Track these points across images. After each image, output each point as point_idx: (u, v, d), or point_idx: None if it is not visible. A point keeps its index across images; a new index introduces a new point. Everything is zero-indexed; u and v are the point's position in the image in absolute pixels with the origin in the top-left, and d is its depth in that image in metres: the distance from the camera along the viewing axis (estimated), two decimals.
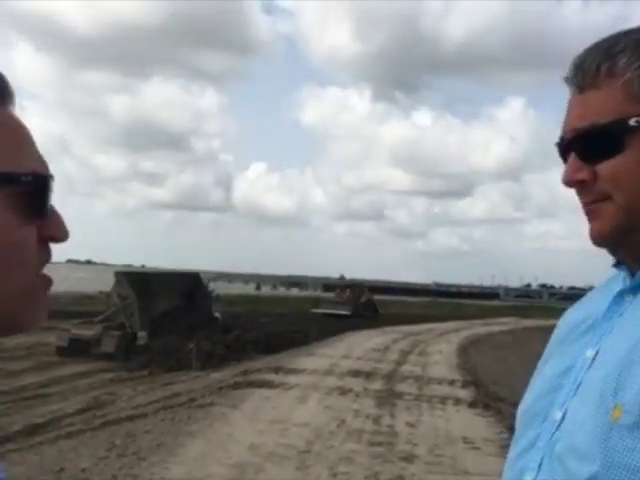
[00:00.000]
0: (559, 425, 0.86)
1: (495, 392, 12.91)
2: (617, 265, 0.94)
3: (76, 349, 17.57)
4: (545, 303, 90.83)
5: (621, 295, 0.91)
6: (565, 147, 0.90)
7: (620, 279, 0.94)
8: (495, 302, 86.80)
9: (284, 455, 7.62)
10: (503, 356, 20.23)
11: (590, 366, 0.87)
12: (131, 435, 8.52)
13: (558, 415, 0.87)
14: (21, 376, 14.11)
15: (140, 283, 21.13)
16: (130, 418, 9.88)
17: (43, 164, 0.69)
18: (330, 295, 44.89)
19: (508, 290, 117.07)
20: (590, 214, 0.89)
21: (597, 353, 0.88)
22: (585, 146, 0.87)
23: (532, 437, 0.90)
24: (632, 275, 0.91)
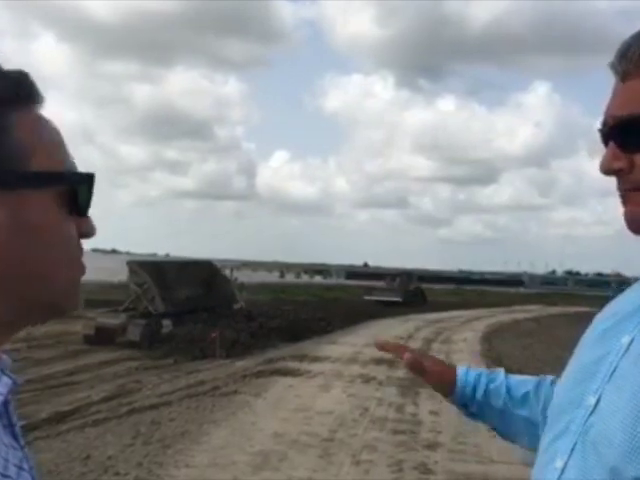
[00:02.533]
0: (593, 411, 0.87)
1: None
2: None
3: (102, 337, 17.75)
4: (570, 290, 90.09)
5: None
6: (606, 134, 0.90)
7: None
8: (520, 289, 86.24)
9: (307, 443, 7.65)
10: (528, 344, 20.09)
11: (625, 353, 0.88)
12: (156, 423, 8.60)
13: (592, 400, 0.88)
14: (48, 364, 14.29)
15: (154, 269, 21.33)
16: (155, 406, 9.97)
17: (74, 163, 0.73)
18: (380, 283, 46.82)
19: (533, 277, 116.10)
20: (627, 199, 0.88)
21: (633, 340, 0.88)
22: (624, 135, 0.87)
23: (566, 422, 0.91)
24: None
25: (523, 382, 1.28)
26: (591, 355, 0.94)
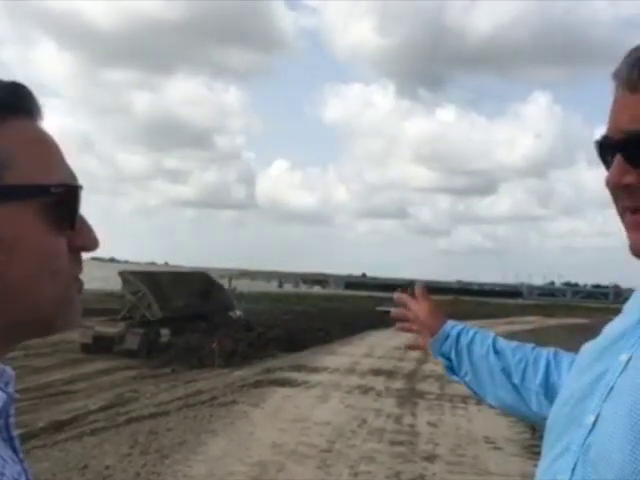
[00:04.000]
0: (592, 430, 0.86)
1: None
2: None
3: (100, 346, 17.75)
4: (569, 302, 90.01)
5: None
6: (611, 147, 0.86)
7: None
8: (518, 300, 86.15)
9: (305, 454, 7.63)
10: None
11: (623, 370, 0.86)
12: (154, 433, 8.58)
13: (591, 419, 0.86)
14: (46, 373, 14.29)
15: (147, 278, 21.39)
16: (153, 415, 9.96)
17: (71, 175, 0.72)
18: (390, 294, 47.54)
19: (531, 288, 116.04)
20: (633, 223, 0.85)
21: (631, 358, 0.87)
22: (635, 150, 0.83)
23: (566, 442, 0.90)
24: None
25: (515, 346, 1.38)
26: (590, 373, 0.92)
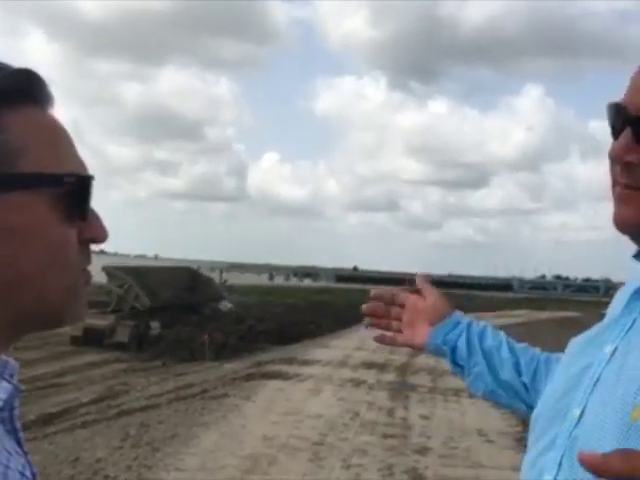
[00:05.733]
0: (577, 423, 0.84)
1: None
2: (638, 256, 0.90)
3: (90, 339, 17.68)
4: (559, 295, 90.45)
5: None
6: (624, 119, 0.83)
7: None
8: (509, 294, 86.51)
9: (297, 447, 7.61)
10: None
11: (608, 362, 0.85)
12: (145, 425, 8.55)
13: (577, 412, 0.85)
14: (36, 366, 14.20)
15: (132, 271, 21.44)
16: (144, 408, 9.92)
17: (82, 165, 0.71)
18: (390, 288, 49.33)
19: (522, 282, 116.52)
20: (624, 198, 0.83)
21: (616, 349, 0.85)
22: None
23: (552, 435, 0.88)
24: None
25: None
26: (576, 366, 0.91)
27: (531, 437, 0.95)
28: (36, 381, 12.62)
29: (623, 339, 0.85)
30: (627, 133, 0.82)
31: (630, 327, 0.86)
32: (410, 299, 1.33)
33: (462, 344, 1.26)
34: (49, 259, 0.65)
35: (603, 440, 0.78)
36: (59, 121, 0.70)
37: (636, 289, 0.89)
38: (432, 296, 1.32)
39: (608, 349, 0.86)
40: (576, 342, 0.98)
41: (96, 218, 0.70)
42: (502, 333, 1.33)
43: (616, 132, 0.84)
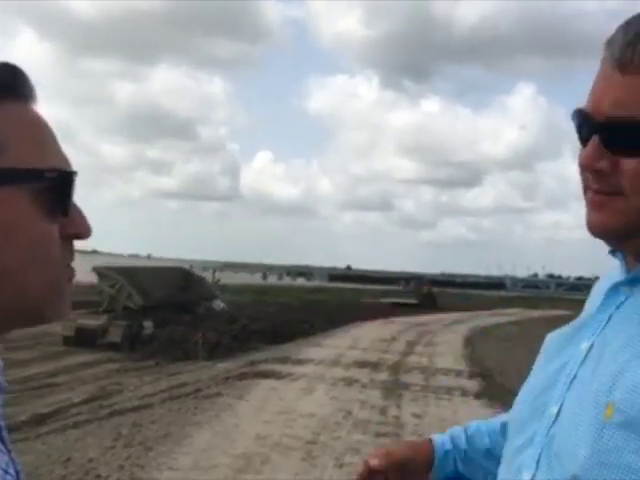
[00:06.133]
0: (555, 420, 0.84)
1: (502, 383, 12.89)
2: (613, 252, 0.90)
3: (82, 339, 17.61)
4: (552, 294, 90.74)
5: (616, 287, 0.88)
6: (590, 127, 0.83)
7: (616, 271, 0.90)
8: (502, 292, 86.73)
9: (290, 446, 7.62)
10: (509, 347, 20.19)
11: (585, 359, 0.85)
12: (137, 425, 8.53)
13: (554, 410, 0.85)
14: (28, 366, 14.14)
15: (123, 270, 21.41)
16: (136, 408, 9.90)
17: (65, 161, 0.70)
18: (395, 287, 50.73)
19: (515, 280, 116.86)
20: (596, 204, 0.83)
21: (592, 346, 0.85)
22: (616, 136, 0.80)
23: (530, 433, 0.88)
24: (628, 268, 0.87)
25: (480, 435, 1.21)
26: (554, 363, 0.91)
27: (509, 434, 0.95)
28: (28, 381, 12.57)
29: (599, 336, 0.85)
30: (595, 140, 0.81)
31: (606, 323, 0.86)
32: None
33: (461, 468, 1.21)
34: (30, 254, 0.65)
35: (578, 439, 0.78)
36: (42, 116, 0.69)
37: (612, 285, 0.89)
38: (401, 461, 1.17)
39: (584, 346, 0.86)
40: (553, 338, 0.98)
41: (79, 214, 0.70)
42: (474, 424, 1.23)
43: (583, 139, 0.84)
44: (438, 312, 36.43)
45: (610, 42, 0.82)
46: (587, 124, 0.83)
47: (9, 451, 0.71)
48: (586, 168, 0.83)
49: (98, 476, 6.48)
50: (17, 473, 0.70)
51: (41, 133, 0.68)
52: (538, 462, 0.84)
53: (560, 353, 0.91)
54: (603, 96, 0.81)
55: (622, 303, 0.86)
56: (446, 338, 21.90)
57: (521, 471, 0.87)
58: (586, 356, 0.85)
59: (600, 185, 0.82)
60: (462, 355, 17.41)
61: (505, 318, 34.48)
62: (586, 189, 0.85)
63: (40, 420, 9.52)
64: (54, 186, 0.66)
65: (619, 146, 0.80)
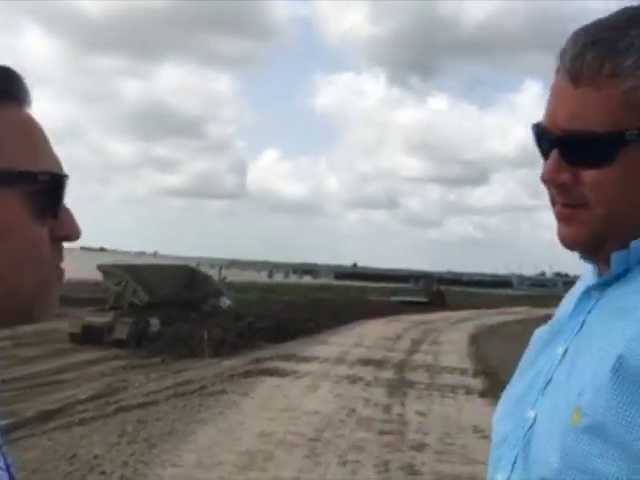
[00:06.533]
0: (532, 425, 0.85)
1: (506, 381, 12.86)
2: (584, 258, 0.91)
3: (89, 336, 17.68)
4: (559, 292, 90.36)
5: (588, 292, 0.89)
6: (548, 141, 0.84)
7: (590, 275, 0.92)
8: (508, 291, 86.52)
9: (294, 443, 7.64)
10: (515, 345, 20.14)
11: (560, 363, 0.86)
12: (142, 422, 8.57)
13: (531, 414, 0.86)
14: (35, 363, 14.23)
15: (128, 268, 21.42)
16: (142, 405, 9.94)
17: (58, 164, 0.71)
18: (404, 285, 50.62)
19: (522, 279, 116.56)
20: (564, 217, 0.85)
21: (566, 350, 0.86)
22: (573, 149, 0.81)
23: (509, 436, 0.89)
24: (600, 273, 0.88)
25: None
26: (533, 366, 0.92)
27: (493, 438, 0.95)
28: (35, 378, 12.64)
29: (573, 340, 0.86)
30: (555, 154, 0.83)
31: (580, 328, 0.87)
32: None
33: None
34: (22, 256, 0.66)
35: (550, 443, 0.79)
36: (35, 119, 0.70)
37: (584, 291, 0.90)
38: None
39: (560, 350, 0.87)
40: (539, 336, 0.99)
41: (69, 216, 0.71)
42: None
43: (544, 153, 0.85)
44: (444, 310, 36.42)
45: (561, 53, 0.83)
46: (546, 138, 0.85)
47: (0, 446, 0.72)
48: (548, 182, 0.85)
49: (103, 472, 6.51)
50: (7, 467, 0.71)
51: (34, 136, 0.69)
52: (514, 464, 0.85)
53: (539, 355, 0.92)
54: (558, 110, 0.83)
55: (593, 307, 0.87)
56: (452, 336, 21.88)
57: (497, 472, 0.88)
58: (561, 360, 0.86)
59: (565, 198, 0.84)
60: (467, 353, 17.40)
61: (511, 317, 34.40)
62: (553, 202, 0.86)
63: (46, 416, 9.57)
64: (46, 189, 0.67)
65: (577, 159, 0.81)
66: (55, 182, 0.69)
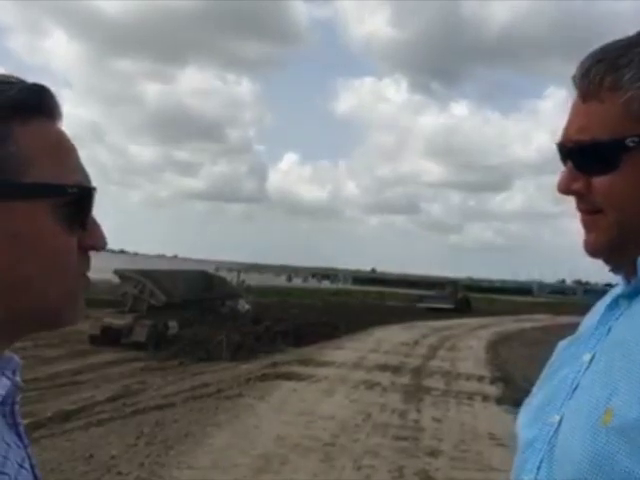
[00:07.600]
0: (557, 429, 0.88)
1: (525, 388, 12.81)
2: (613, 270, 0.95)
3: (108, 338, 17.79)
4: (579, 300, 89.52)
5: (616, 301, 0.93)
6: (564, 155, 0.92)
7: (619, 286, 0.96)
8: (528, 298, 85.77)
9: (309, 447, 7.67)
10: (534, 353, 20.02)
11: (586, 369, 0.89)
12: (160, 424, 8.64)
13: (556, 418, 0.89)
14: (55, 363, 14.35)
15: (144, 272, 21.51)
16: (159, 407, 10.01)
17: (86, 177, 0.75)
18: (430, 292, 50.65)
19: (542, 286, 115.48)
20: (585, 225, 0.92)
21: (593, 357, 0.89)
22: (583, 159, 0.89)
23: (534, 440, 0.92)
24: (628, 281, 0.92)
25: None
26: (558, 373, 0.95)
27: (519, 443, 0.98)
28: (55, 378, 12.75)
29: (600, 347, 0.90)
30: (569, 165, 0.91)
31: (606, 335, 0.90)
32: None
33: None
34: (51, 265, 0.70)
35: (577, 444, 0.82)
36: (66, 134, 0.75)
37: (612, 300, 0.94)
38: None
39: (586, 357, 0.90)
40: (563, 346, 1.02)
41: (96, 227, 0.75)
42: None
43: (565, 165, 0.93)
44: (464, 317, 36.22)
45: (573, 77, 0.92)
46: (562, 152, 0.93)
47: (25, 446, 0.75)
48: (564, 192, 0.92)
49: (119, 473, 6.59)
50: (32, 467, 0.75)
51: (65, 150, 0.74)
52: (539, 467, 0.88)
53: (565, 363, 0.96)
54: (570, 125, 0.92)
55: (621, 314, 0.91)
56: (470, 343, 21.77)
57: (523, 474, 0.91)
58: (588, 367, 0.89)
59: (583, 205, 0.91)
60: (485, 360, 17.32)
61: (530, 324, 34.15)
62: (578, 211, 0.93)
63: (65, 417, 9.65)
64: (75, 201, 0.72)
65: (586, 167, 0.89)
66: (84, 194, 0.73)
